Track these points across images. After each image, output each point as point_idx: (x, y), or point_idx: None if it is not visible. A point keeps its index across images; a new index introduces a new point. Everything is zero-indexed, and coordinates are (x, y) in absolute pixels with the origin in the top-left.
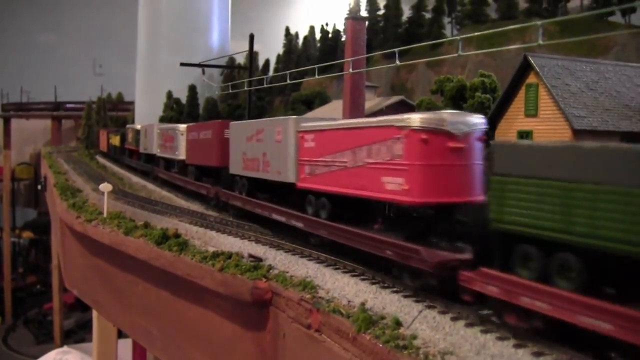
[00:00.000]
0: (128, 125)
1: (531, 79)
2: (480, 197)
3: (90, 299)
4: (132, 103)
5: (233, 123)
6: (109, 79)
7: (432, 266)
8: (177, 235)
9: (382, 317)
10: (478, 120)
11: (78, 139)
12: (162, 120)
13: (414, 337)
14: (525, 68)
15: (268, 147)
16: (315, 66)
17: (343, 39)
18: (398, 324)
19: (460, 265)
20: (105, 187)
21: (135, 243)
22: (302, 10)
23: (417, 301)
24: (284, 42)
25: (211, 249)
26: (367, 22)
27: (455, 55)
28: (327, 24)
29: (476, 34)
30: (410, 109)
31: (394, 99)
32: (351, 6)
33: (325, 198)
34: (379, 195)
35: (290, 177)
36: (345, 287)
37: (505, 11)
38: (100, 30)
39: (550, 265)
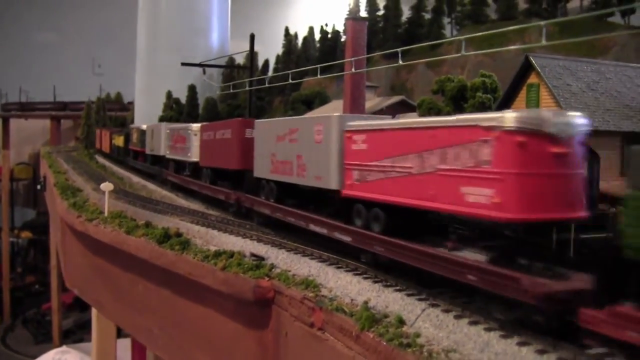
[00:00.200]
0: (132, 125)
1: (532, 79)
2: (583, 214)
3: (91, 298)
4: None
5: (259, 121)
6: (108, 79)
7: (537, 298)
8: (178, 235)
9: (386, 316)
10: (582, 121)
11: (77, 138)
12: (162, 120)
13: (418, 335)
14: (526, 68)
15: (304, 148)
16: (317, 66)
17: (343, 39)
18: (401, 322)
19: (575, 298)
20: (107, 186)
21: (137, 242)
22: (302, 10)
23: (420, 299)
24: (284, 42)
25: (213, 248)
26: (367, 23)
27: (458, 55)
28: (326, 25)
29: (479, 34)
30: (411, 109)
31: (394, 99)
32: (351, 6)
33: (379, 209)
34: (456, 209)
35: (332, 183)
36: (347, 286)
37: (505, 11)
38: (100, 30)
39: None
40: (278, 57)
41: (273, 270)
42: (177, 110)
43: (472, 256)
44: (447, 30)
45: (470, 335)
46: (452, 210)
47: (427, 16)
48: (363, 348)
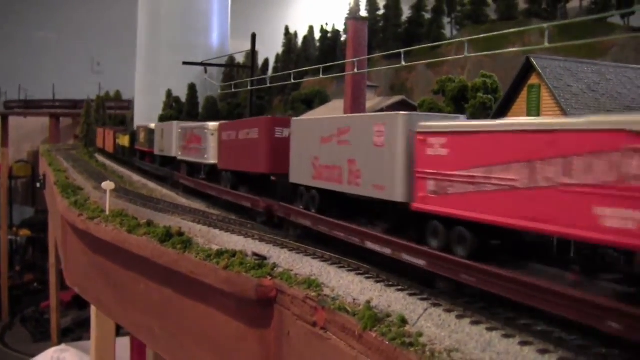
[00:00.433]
0: (139, 125)
1: (533, 80)
2: None
3: (91, 297)
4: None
5: (298, 120)
6: (107, 77)
7: None
8: (180, 234)
9: (388, 315)
10: None
11: (76, 137)
12: (162, 119)
13: (420, 334)
14: (527, 69)
15: (359, 152)
16: (320, 66)
17: (342, 38)
18: (404, 321)
19: None
20: (108, 185)
21: (139, 241)
22: (301, 10)
23: (422, 299)
24: (284, 41)
25: (215, 247)
26: (367, 23)
27: (461, 57)
28: (326, 24)
29: (482, 35)
30: (412, 109)
31: (395, 98)
32: (351, 6)
33: (465, 228)
34: (586, 235)
35: (397, 194)
36: (350, 285)
37: (505, 12)
38: (99, 28)
39: None
40: (278, 56)
41: (275, 269)
42: (177, 109)
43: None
44: (447, 30)
45: (472, 334)
46: (581, 236)
47: (427, 16)
48: (366, 347)
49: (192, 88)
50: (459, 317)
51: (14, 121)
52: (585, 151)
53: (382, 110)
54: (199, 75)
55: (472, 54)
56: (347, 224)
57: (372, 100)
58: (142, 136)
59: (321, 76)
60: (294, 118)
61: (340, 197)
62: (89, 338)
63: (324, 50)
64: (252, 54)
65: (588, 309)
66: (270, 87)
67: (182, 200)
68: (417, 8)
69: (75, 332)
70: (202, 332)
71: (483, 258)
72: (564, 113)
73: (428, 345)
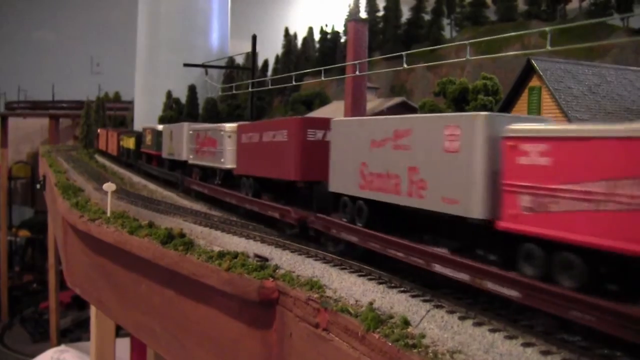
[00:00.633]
0: (144, 126)
1: (534, 82)
2: None
3: (92, 298)
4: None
5: (339, 120)
6: (106, 78)
7: None
8: (182, 235)
9: (391, 317)
10: None
11: (76, 137)
12: (162, 120)
13: (423, 336)
14: (528, 71)
15: (423, 158)
16: (322, 68)
17: (342, 40)
18: (406, 323)
19: None
20: (109, 186)
21: (140, 242)
22: (301, 11)
23: (424, 301)
24: (283, 42)
25: (217, 249)
26: (368, 24)
27: (463, 59)
28: (326, 25)
29: (486, 38)
30: (412, 110)
31: (395, 100)
32: (351, 7)
33: (576, 255)
34: None
35: (476, 210)
36: (352, 287)
37: (504, 13)
38: (98, 29)
39: None
40: (277, 57)
41: (277, 271)
42: (177, 110)
43: None
44: (447, 32)
45: (475, 336)
46: None
47: (427, 17)
48: (369, 349)
49: (192, 89)
50: (461, 318)
51: (13, 122)
52: None
53: (382, 111)
54: (199, 76)
55: (474, 57)
56: (408, 242)
57: (372, 102)
58: (148, 138)
59: (322, 78)
60: (335, 119)
61: (394, 210)
62: (88, 339)
63: (323, 52)
64: (253, 55)
65: None
66: (270, 89)
67: (183, 202)
68: (417, 9)
69: (74, 332)
70: (203, 333)
71: (593, 289)
72: (565, 115)
73: (431, 347)
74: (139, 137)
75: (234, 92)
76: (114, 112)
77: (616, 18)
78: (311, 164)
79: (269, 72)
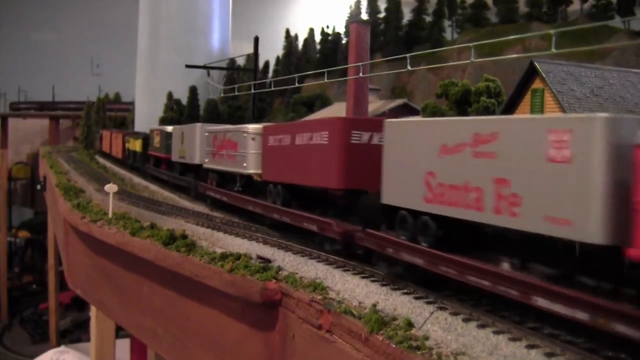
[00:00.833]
0: (152, 127)
1: (537, 84)
2: None
3: (94, 299)
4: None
5: (396, 121)
6: (106, 79)
7: None
8: (184, 236)
9: (394, 318)
10: None
11: (76, 138)
12: (163, 121)
13: (426, 337)
14: (531, 73)
15: (517, 168)
16: (324, 70)
17: (343, 41)
18: (410, 325)
19: None
20: (111, 187)
21: (142, 243)
22: (301, 12)
23: (428, 303)
24: (284, 44)
25: (219, 250)
26: (369, 26)
27: (467, 62)
28: (327, 26)
29: (489, 41)
30: (414, 112)
31: (397, 102)
32: (352, 9)
33: None
34: None
35: (594, 233)
36: (355, 289)
37: (506, 15)
38: (98, 29)
39: None
40: (278, 58)
41: (280, 272)
42: (177, 111)
43: None
44: (448, 33)
45: (479, 337)
46: None
47: (428, 19)
48: (372, 350)
49: (193, 90)
50: (465, 320)
51: (13, 123)
52: None
53: (384, 113)
54: (200, 77)
55: (477, 60)
56: (494, 268)
57: (374, 103)
58: (156, 140)
59: (325, 80)
60: (389, 119)
61: (470, 229)
62: (87, 340)
63: (324, 53)
64: (255, 57)
65: None
66: (271, 90)
67: (185, 203)
68: (418, 11)
69: (74, 333)
70: (205, 335)
71: None
72: None
73: (434, 349)
74: (146, 139)
75: (237, 93)
76: (114, 113)
77: (618, 22)
78: (355, 170)
79: (270, 74)
